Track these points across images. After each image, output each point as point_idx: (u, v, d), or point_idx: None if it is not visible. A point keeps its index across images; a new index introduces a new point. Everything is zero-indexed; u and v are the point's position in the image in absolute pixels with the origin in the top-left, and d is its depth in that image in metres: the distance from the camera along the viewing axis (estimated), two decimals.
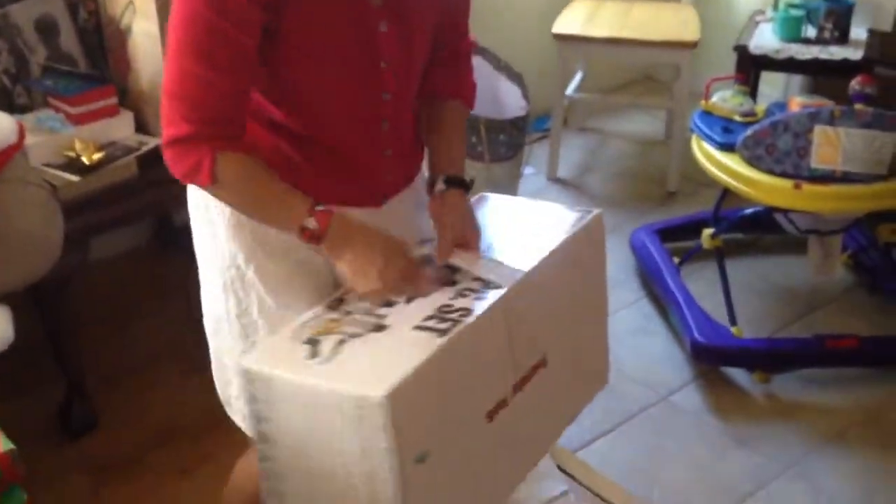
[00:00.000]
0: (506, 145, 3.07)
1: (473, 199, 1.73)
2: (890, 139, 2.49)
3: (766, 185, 2.57)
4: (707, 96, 2.86)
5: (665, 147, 3.92)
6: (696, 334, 2.68)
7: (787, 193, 2.55)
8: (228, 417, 1.69)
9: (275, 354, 1.43)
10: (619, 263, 3.15)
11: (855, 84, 2.64)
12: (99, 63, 2.57)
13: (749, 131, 2.60)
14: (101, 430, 2.45)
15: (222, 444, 2.01)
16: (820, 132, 2.51)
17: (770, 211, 2.73)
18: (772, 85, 3.82)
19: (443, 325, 1.41)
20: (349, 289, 1.53)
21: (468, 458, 1.46)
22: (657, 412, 2.58)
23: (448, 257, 1.58)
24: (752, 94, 3.25)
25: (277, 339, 1.46)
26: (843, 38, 3.31)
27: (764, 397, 2.64)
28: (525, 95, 3.18)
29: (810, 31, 3.35)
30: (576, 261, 1.68)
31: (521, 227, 1.70)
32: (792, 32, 3.34)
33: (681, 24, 3.58)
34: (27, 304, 2.21)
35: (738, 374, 2.71)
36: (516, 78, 3.22)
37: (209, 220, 1.58)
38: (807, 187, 2.53)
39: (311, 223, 1.44)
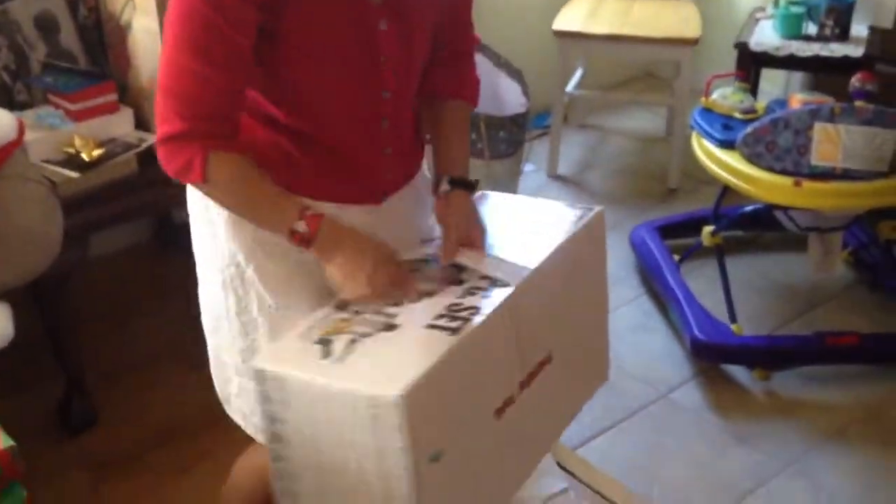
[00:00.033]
0: (506, 142, 3.06)
1: (474, 197, 1.73)
2: (890, 136, 2.49)
3: (766, 182, 2.57)
4: (707, 93, 2.85)
5: (665, 144, 3.92)
6: (696, 331, 2.68)
7: (787, 191, 2.55)
8: (227, 415, 1.69)
9: (287, 355, 1.43)
10: (619, 260, 3.15)
11: (855, 81, 2.64)
12: (99, 59, 2.57)
13: (749, 128, 2.59)
14: (100, 427, 2.45)
15: (221, 442, 2.01)
16: (820, 129, 2.50)
17: (770, 208, 2.72)
18: (772, 82, 3.82)
19: (453, 324, 1.42)
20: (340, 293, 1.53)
21: (478, 456, 1.47)
22: (657, 409, 2.58)
23: (454, 257, 1.58)
24: (753, 91, 3.25)
25: (289, 340, 1.46)
26: (843, 35, 3.30)
27: (764, 394, 2.64)
28: (525, 92, 3.18)
29: (811, 28, 3.35)
30: (578, 258, 1.68)
31: (523, 226, 1.71)
32: (793, 29, 3.34)
33: (681, 21, 3.58)
34: (27, 301, 2.21)
35: (738, 372, 2.71)
36: (516, 74, 3.22)
37: (209, 219, 1.58)
38: (807, 184, 2.53)
39: (302, 226, 1.44)
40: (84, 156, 2.30)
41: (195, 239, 1.65)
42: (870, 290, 3.05)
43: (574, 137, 4.03)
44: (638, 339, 2.84)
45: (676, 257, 3.02)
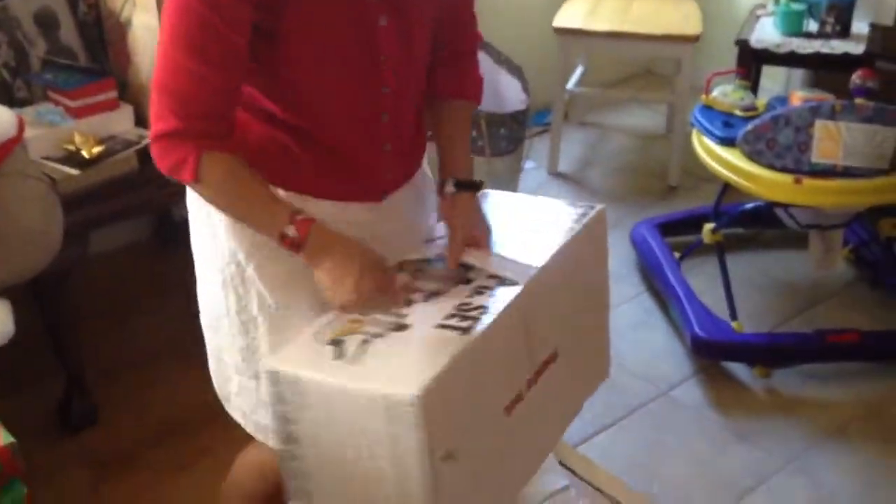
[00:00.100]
0: (506, 139, 3.06)
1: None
2: (891, 133, 2.49)
3: (766, 179, 2.56)
4: (708, 91, 2.85)
5: (666, 141, 3.92)
6: (696, 329, 2.67)
7: (787, 188, 2.55)
8: (227, 413, 1.68)
9: (301, 356, 1.43)
10: (619, 258, 3.14)
11: (856, 78, 2.64)
12: (99, 56, 2.57)
13: (750, 126, 2.59)
14: (100, 425, 2.45)
15: (221, 439, 2.01)
16: (821, 127, 2.50)
17: (771, 205, 2.72)
18: (773, 79, 3.82)
19: (464, 324, 1.43)
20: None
21: (490, 453, 1.48)
22: (657, 407, 2.58)
23: (460, 257, 1.59)
24: (753, 88, 3.25)
25: (301, 342, 1.46)
26: (844, 32, 3.30)
27: (764, 392, 2.64)
28: (525, 89, 3.17)
29: (812, 26, 3.35)
30: (580, 256, 1.69)
31: (524, 224, 1.71)
32: (793, 26, 3.33)
33: (682, 18, 3.57)
34: (27, 298, 2.21)
35: (738, 369, 2.70)
36: (516, 71, 3.22)
37: (208, 217, 1.58)
38: (807, 182, 2.52)
39: (291, 231, 1.44)
40: (84, 153, 2.30)
41: (194, 238, 1.65)
42: (870, 287, 3.05)
43: (574, 135, 4.02)
44: (638, 336, 2.84)
45: (677, 255, 3.02)
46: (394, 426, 1.32)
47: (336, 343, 1.43)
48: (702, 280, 2.94)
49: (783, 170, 2.55)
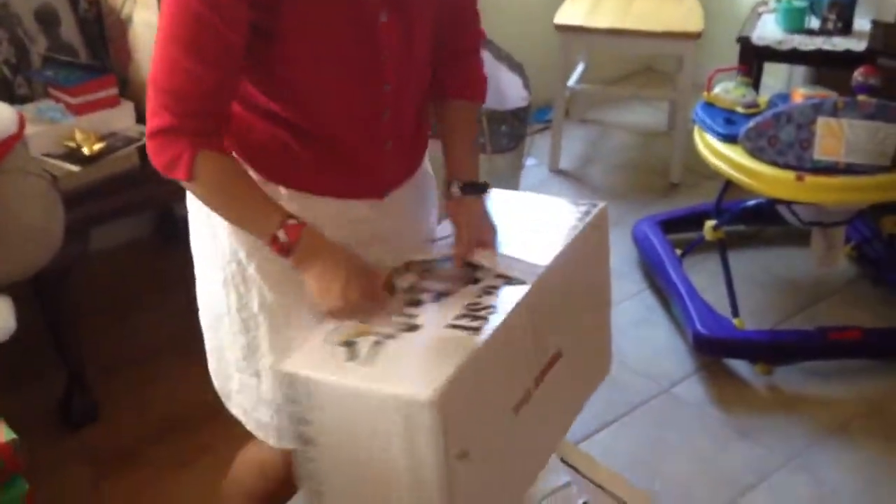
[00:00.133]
0: (507, 136, 3.06)
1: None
2: (893, 130, 2.48)
3: (768, 176, 2.56)
4: (710, 87, 2.84)
5: (667, 138, 3.91)
6: (698, 326, 2.67)
7: (789, 185, 2.54)
8: (227, 410, 1.68)
9: (314, 358, 1.43)
10: (621, 255, 3.14)
11: (858, 75, 2.63)
12: (99, 53, 2.57)
13: (752, 123, 2.59)
14: (101, 422, 2.45)
15: (221, 437, 2.00)
16: (823, 123, 2.50)
17: (773, 203, 2.72)
18: (775, 76, 3.81)
19: (475, 324, 1.43)
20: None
21: (500, 451, 1.48)
22: (659, 404, 2.58)
23: (466, 257, 1.60)
24: (755, 85, 3.24)
25: (313, 344, 1.47)
26: (846, 29, 3.29)
27: (766, 389, 2.64)
28: (526, 86, 3.17)
29: (814, 22, 3.34)
30: (583, 254, 1.69)
31: (527, 223, 1.71)
32: (795, 23, 3.32)
33: (684, 15, 3.57)
34: (28, 295, 2.20)
35: (740, 366, 2.70)
36: (517, 68, 3.21)
37: (209, 217, 1.57)
38: (810, 179, 2.52)
39: (282, 235, 1.44)
40: (85, 150, 2.30)
41: (194, 237, 1.65)
42: (872, 284, 3.04)
43: (576, 132, 4.02)
44: (640, 333, 2.84)
45: (679, 252, 3.02)
46: (409, 427, 1.32)
47: (348, 345, 1.43)
48: (703, 277, 2.94)
49: (785, 167, 2.54)
